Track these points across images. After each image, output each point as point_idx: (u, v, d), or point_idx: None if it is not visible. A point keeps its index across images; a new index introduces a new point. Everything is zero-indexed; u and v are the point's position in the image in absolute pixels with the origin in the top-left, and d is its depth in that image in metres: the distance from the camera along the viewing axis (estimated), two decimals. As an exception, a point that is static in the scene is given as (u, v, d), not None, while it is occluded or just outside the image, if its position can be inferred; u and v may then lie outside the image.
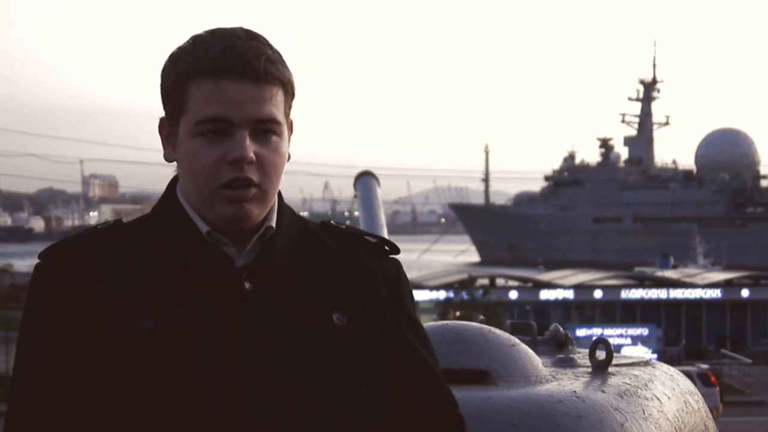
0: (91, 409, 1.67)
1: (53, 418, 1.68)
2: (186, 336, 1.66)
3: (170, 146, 1.76)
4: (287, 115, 1.75)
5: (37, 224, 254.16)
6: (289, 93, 1.75)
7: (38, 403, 1.68)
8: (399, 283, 1.85)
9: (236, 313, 1.68)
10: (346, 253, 1.81)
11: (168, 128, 1.76)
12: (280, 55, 1.74)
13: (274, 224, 1.75)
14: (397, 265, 1.87)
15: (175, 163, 1.78)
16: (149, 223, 1.77)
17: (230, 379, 1.65)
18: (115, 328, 1.66)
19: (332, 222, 1.87)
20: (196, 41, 1.72)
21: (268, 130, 1.71)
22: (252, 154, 1.68)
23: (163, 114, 1.78)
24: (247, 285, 1.70)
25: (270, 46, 1.73)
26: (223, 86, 1.68)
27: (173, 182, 1.79)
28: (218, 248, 1.72)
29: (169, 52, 1.75)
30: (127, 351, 1.65)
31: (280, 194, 1.78)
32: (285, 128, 1.74)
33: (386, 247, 1.86)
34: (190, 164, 1.71)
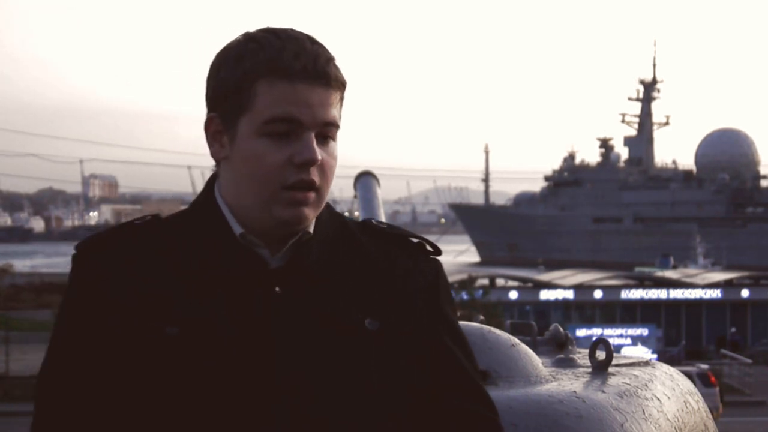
0: (115, 408, 1.67)
1: (78, 414, 1.68)
2: (213, 339, 1.65)
3: (218, 144, 1.75)
4: (340, 118, 1.76)
5: (37, 224, 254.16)
6: (342, 98, 1.76)
7: (64, 398, 1.69)
8: (437, 286, 1.82)
9: (266, 317, 1.67)
10: (384, 255, 1.79)
11: (219, 126, 1.74)
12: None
13: (311, 229, 1.74)
14: (437, 266, 1.84)
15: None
16: (185, 221, 1.76)
17: (256, 383, 1.64)
18: (144, 329, 1.67)
19: (374, 221, 1.85)
20: (261, 41, 1.71)
21: (328, 133, 1.72)
22: (320, 157, 1.69)
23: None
24: (277, 288, 1.69)
25: (329, 51, 1.74)
26: (297, 88, 1.68)
27: (211, 180, 1.78)
28: (251, 250, 1.71)
29: (223, 49, 1.74)
30: (154, 353, 1.65)
31: None
32: (337, 132, 1.75)
33: (427, 248, 1.84)
34: (253, 164, 1.69)
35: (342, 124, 1.76)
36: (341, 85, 1.73)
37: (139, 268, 1.70)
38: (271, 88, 1.68)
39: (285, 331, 1.67)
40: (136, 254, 1.71)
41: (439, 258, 1.86)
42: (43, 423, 1.71)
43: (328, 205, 1.79)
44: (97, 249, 1.73)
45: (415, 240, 1.84)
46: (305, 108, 1.68)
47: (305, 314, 1.69)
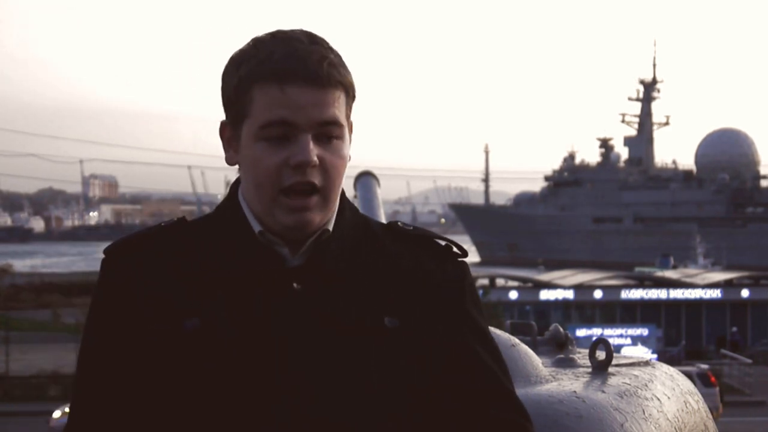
0: (145, 405, 1.69)
1: (113, 414, 1.70)
2: (231, 335, 1.67)
3: (232, 150, 1.76)
4: (348, 117, 1.75)
5: (37, 224, 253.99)
6: (350, 96, 1.75)
7: (96, 397, 1.72)
8: (463, 288, 1.80)
9: (284, 314, 1.68)
10: (407, 256, 1.78)
11: (230, 132, 1.76)
12: (341, 58, 1.73)
13: (331, 227, 1.74)
14: (463, 269, 1.82)
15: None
16: (209, 223, 1.79)
17: (270, 379, 1.65)
18: (163, 325, 1.69)
19: (399, 223, 1.84)
20: (258, 45, 1.72)
21: (330, 133, 1.70)
22: (315, 158, 1.68)
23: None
24: (296, 286, 1.69)
25: (331, 50, 1.73)
26: (287, 91, 1.68)
27: (236, 184, 1.80)
28: (270, 248, 1.72)
29: (231, 56, 1.75)
30: (172, 349, 1.67)
31: (343, 192, 1.77)
32: (346, 131, 1.74)
33: (454, 250, 1.82)
34: (253, 168, 1.71)
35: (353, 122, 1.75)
36: (339, 83, 1.71)
37: (164, 268, 1.72)
38: (264, 92, 1.69)
39: (302, 328, 1.68)
40: (161, 256, 1.74)
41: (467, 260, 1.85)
42: (80, 425, 1.73)
43: (352, 207, 1.79)
44: (125, 253, 1.75)
45: (442, 242, 1.83)
46: (298, 110, 1.68)
47: (323, 312, 1.69)
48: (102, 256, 1.77)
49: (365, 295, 1.72)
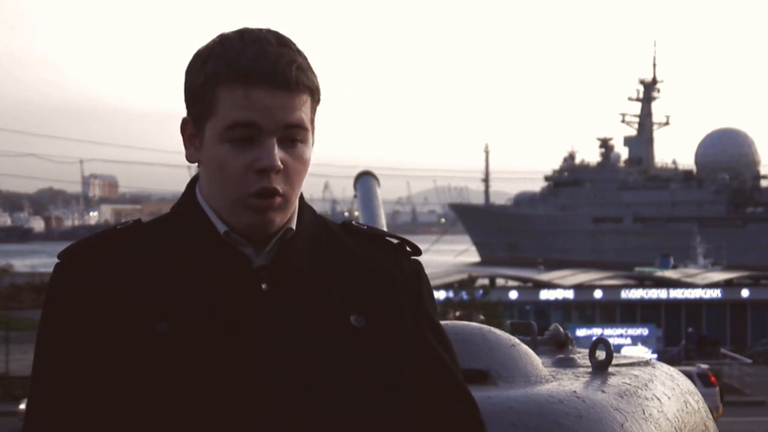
0: (106, 411, 1.66)
1: (70, 420, 1.67)
2: (202, 337, 1.65)
3: (193, 147, 1.75)
4: (312, 120, 1.74)
5: (37, 224, 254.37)
6: (316, 99, 1.74)
7: (55, 405, 1.68)
8: (420, 285, 1.83)
9: (253, 314, 1.67)
10: (366, 254, 1.80)
11: (192, 129, 1.74)
12: (308, 62, 1.73)
13: (294, 226, 1.74)
14: (418, 266, 1.85)
15: (190, 164, 1.78)
16: (168, 223, 1.76)
17: (245, 380, 1.64)
18: (132, 330, 1.66)
19: (354, 222, 1.85)
20: (226, 44, 1.70)
21: (294, 136, 1.70)
22: (280, 163, 1.67)
23: (183, 114, 1.76)
24: (264, 286, 1.69)
25: (299, 53, 1.71)
26: (254, 93, 1.66)
27: (192, 182, 1.79)
28: (236, 249, 1.71)
29: (196, 51, 1.73)
30: (143, 353, 1.65)
31: (301, 194, 1.77)
32: (310, 134, 1.73)
33: (407, 248, 1.85)
34: (217, 169, 1.69)
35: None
36: (305, 87, 1.70)
37: (125, 272, 1.69)
38: (231, 93, 1.67)
39: (273, 328, 1.67)
40: (120, 259, 1.71)
41: (420, 258, 1.87)
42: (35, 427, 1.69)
43: (309, 206, 1.79)
44: (81, 257, 1.72)
45: (395, 240, 1.85)
46: (265, 113, 1.66)
47: (292, 311, 1.69)
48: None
49: (332, 293, 1.73)
